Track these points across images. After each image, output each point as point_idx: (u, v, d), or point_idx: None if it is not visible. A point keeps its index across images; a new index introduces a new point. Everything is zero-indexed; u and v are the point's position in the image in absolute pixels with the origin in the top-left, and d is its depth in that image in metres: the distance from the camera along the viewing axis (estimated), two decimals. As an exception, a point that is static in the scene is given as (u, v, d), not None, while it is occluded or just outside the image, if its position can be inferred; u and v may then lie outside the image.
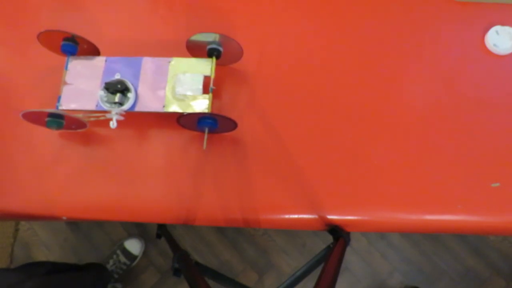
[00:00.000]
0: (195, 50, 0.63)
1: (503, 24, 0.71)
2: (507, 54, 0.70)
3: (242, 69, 0.69)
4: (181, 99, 0.60)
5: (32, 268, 0.85)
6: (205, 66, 0.62)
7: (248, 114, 0.66)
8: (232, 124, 0.60)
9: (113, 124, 0.59)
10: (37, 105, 0.65)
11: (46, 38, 0.61)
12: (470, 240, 1.30)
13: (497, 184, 0.63)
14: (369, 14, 0.74)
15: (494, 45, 0.70)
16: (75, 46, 0.62)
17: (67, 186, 0.64)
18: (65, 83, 0.62)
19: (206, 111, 0.59)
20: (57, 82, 0.62)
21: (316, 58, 0.71)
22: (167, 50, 0.66)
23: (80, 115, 0.60)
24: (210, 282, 0.59)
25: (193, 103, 0.60)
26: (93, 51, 0.64)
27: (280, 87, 0.69)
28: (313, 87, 0.69)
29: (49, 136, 0.66)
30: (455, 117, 0.67)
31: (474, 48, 0.71)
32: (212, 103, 0.62)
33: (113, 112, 0.59)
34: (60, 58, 0.64)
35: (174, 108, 0.60)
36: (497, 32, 0.70)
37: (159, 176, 0.64)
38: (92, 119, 0.62)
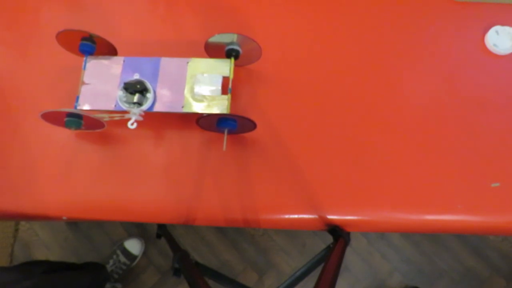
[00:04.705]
0: (213, 50, 0.63)
1: (503, 24, 0.71)
2: (507, 54, 0.70)
3: (242, 69, 0.69)
4: (200, 99, 0.60)
5: (29, 267, 0.85)
6: (223, 67, 0.62)
7: (247, 114, 0.66)
8: (251, 125, 0.60)
9: (132, 124, 0.59)
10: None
11: (64, 38, 0.61)
12: (470, 240, 1.30)
13: (497, 184, 0.63)
14: (369, 15, 0.74)
15: (494, 45, 0.70)
16: (93, 46, 0.62)
17: (69, 186, 0.64)
18: (83, 83, 0.62)
19: (225, 112, 0.59)
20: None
21: (317, 58, 0.71)
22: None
23: (101, 115, 0.60)
24: (210, 282, 0.59)
25: (212, 103, 0.60)
26: (111, 51, 0.64)
27: (278, 87, 0.69)
28: (312, 87, 0.69)
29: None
30: (455, 117, 0.67)
31: (474, 48, 0.71)
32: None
33: (133, 112, 0.59)
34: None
35: (193, 108, 0.60)
36: (497, 32, 0.70)
37: (159, 176, 0.64)
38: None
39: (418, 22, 0.73)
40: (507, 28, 0.70)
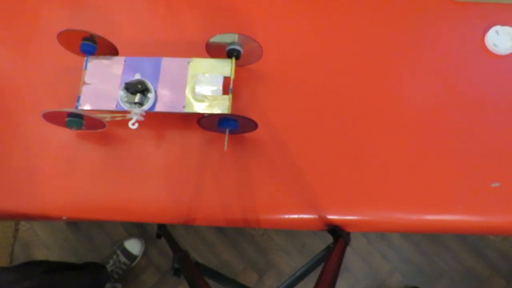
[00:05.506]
0: (214, 50, 0.63)
1: (503, 24, 0.71)
2: (507, 54, 0.70)
3: (243, 69, 0.69)
4: (201, 99, 0.60)
5: (30, 267, 0.85)
6: (224, 67, 0.62)
7: (248, 114, 0.66)
8: (252, 125, 0.60)
9: (133, 125, 0.59)
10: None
11: (65, 38, 0.61)
12: (470, 240, 1.30)
13: (497, 184, 0.63)
14: (369, 15, 0.74)
15: (494, 45, 0.70)
16: (94, 46, 0.62)
17: (70, 186, 0.64)
18: (84, 83, 0.62)
19: (227, 112, 0.59)
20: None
21: (317, 59, 0.71)
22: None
23: (102, 115, 0.60)
24: (210, 282, 0.59)
25: (213, 103, 0.60)
26: (112, 51, 0.64)
27: (279, 87, 0.69)
28: (313, 88, 0.69)
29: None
30: (455, 117, 0.67)
31: (474, 48, 0.71)
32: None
33: (134, 112, 0.59)
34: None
35: (194, 108, 0.60)
36: (497, 32, 0.70)
37: (159, 176, 0.64)
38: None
39: (418, 22, 0.73)
40: (507, 28, 0.70)
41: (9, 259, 1.27)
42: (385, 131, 0.66)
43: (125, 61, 0.63)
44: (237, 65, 0.65)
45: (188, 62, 0.63)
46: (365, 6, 0.74)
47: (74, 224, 1.31)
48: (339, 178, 0.64)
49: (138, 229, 1.31)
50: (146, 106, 0.59)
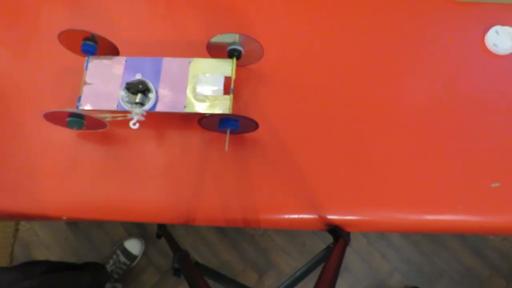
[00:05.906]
0: (215, 50, 0.63)
1: (503, 24, 0.71)
2: (507, 54, 0.70)
3: (244, 69, 0.69)
4: (202, 99, 0.60)
5: (29, 267, 0.85)
6: (225, 67, 0.62)
7: (249, 114, 0.66)
8: (253, 125, 0.60)
9: (134, 125, 0.59)
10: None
11: (66, 38, 0.61)
12: (470, 240, 1.30)
13: (497, 184, 0.63)
14: (369, 14, 0.74)
15: (494, 45, 0.70)
16: (95, 46, 0.62)
17: (70, 186, 0.64)
18: (85, 83, 0.62)
19: (228, 112, 0.59)
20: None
21: (317, 59, 0.71)
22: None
23: (103, 115, 0.60)
24: (210, 282, 0.59)
25: (214, 103, 0.60)
26: (113, 51, 0.64)
27: (279, 87, 0.69)
28: (313, 88, 0.69)
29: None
30: (455, 117, 0.67)
31: (474, 48, 0.71)
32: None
33: (135, 113, 0.59)
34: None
35: (195, 108, 0.60)
36: (497, 32, 0.71)
37: (160, 176, 0.64)
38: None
39: (418, 22, 0.73)
40: (507, 28, 0.70)
41: (9, 259, 1.27)
42: (385, 131, 0.66)
43: (126, 61, 0.63)
44: (237, 65, 0.65)
45: (189, 62, 0.63)
46: (365, 6, 0.74)
47: (74, 224, 1.31)
48: (339, 178, 0.64)
49: (138, 229, 1.31)
50: (147, 106, 0.59)
